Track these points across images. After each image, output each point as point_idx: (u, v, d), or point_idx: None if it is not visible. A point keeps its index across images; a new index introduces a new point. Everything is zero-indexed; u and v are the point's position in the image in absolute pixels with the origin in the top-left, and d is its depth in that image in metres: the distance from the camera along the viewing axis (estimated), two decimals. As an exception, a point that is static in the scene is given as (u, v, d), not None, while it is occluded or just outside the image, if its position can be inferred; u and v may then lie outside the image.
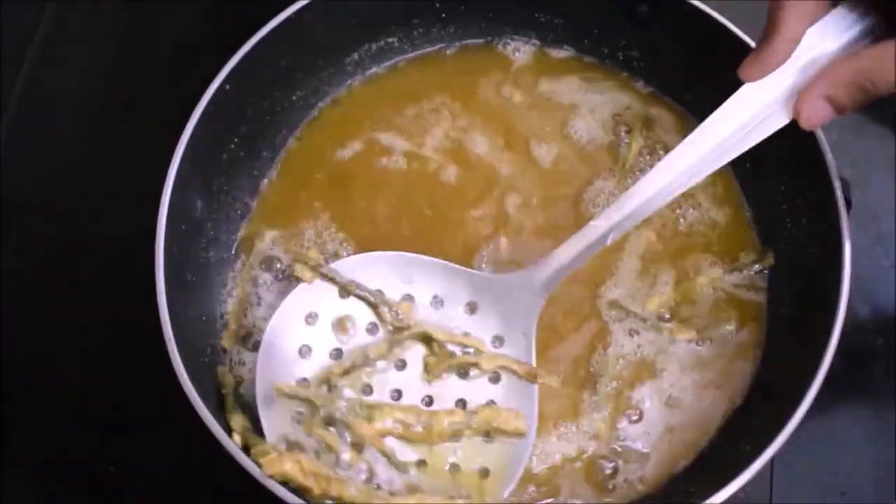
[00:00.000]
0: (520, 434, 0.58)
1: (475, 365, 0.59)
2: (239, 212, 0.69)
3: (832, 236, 0.59)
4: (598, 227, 0.58)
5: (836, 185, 0.60)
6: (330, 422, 0.57)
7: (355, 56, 0.74)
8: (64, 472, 0.67)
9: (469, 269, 0.62)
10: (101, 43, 0.84)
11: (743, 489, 0.53)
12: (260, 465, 0.52)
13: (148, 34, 0.84)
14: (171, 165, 0.61)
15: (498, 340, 0.61)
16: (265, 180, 0.71)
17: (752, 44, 0.64)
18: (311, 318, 0.61)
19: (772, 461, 0.54)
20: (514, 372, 0.59)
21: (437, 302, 0.61)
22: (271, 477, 0.52)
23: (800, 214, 0.65)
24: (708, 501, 0.53)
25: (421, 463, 0.57)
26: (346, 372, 0.59)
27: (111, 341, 0.70)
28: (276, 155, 0.72)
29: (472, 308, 0.61)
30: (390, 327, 0.61)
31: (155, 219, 0.60)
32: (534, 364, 0.59)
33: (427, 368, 0.60)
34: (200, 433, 0.54)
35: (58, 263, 0.74)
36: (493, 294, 0.60)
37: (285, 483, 0.53)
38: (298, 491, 0.53)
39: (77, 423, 0.68)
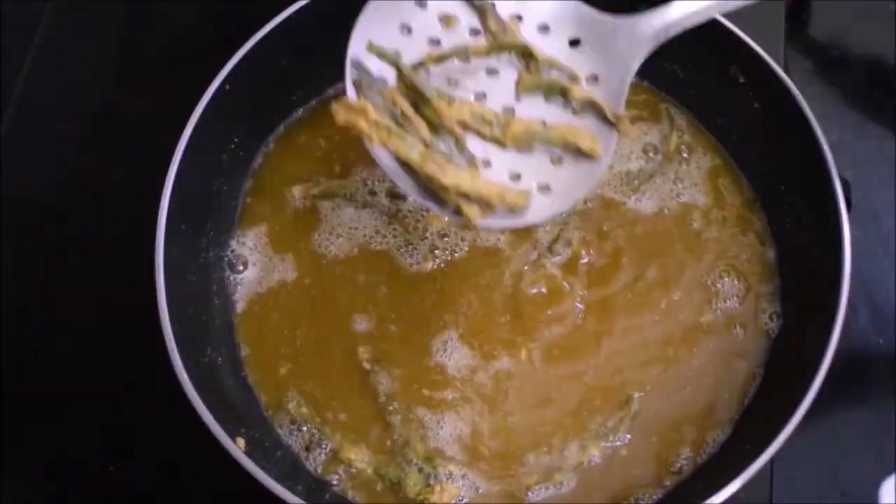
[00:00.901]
0: (592, 155, 0.57)
1: (566, 91, 0.58)
2: (238, 211, 0.69)
3: (832, 236, 0.59)
4: None
5: (836, 185, 0.60)
6: (410, 97, 0.57)
7: (355, 56, 0.74)
8: (64, 472, 0.67)
9: (585, 4, 0.60)
10: (101, 43, 0.84)
11: (743, 489, 0.53)
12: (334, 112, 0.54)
13: (148, 34, 0.84)
14: (171, 165, 0.61)
15: (593, 79, 0.59)
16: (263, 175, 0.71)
17: (752, 44, 0.64)
18: (420, 2, 0.59)
19: (772, 461, 0.54)
20: (600, 110, 0.57)
21: (543, 29, 0.60)
22: (342, 125, 0.54)
23: (800, 214, 0.65)
24: (708, 501, 0.53)
25: (486, 163, 0.57)
26: (441, 59, 0.58)
27: (111, 341, 0.70)
28: (275, 154, 0.72)
29: (575, 43, 0.59)
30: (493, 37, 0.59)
31: (155, 219, 0.60)
32: (621, 110, 0.58)
33: (518, 81, 0.58)
34: (200, 433, 0.54)
35: (58, 263, 0.74)
36: (600, 34, 0.59)
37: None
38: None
39: (77, 423, 0.68)
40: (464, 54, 0.58)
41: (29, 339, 0.71)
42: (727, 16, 0.65)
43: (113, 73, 0.82)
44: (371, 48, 0.57)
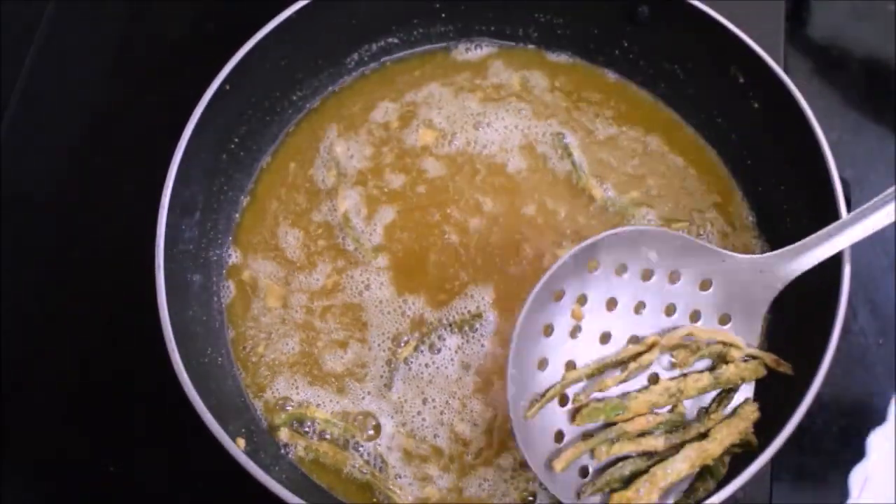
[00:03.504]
0: (759, 375, 0.59)
1: (725, 357, 0.59)
2: (239, 211, 0.69)
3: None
4: (847, 225, 0.57)
5: (836, 184, 0.60)
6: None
7: (355, 56, 0.74)
8: (64, 472, 0.67)
9: (711, 247, 0.61)
10: (101, 43, 0.84)
11: (743, 489, 0.53)
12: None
13: (148, 34, 0.84)
14: (172, 165, 0.61)
15: (724, 319, 0.60)
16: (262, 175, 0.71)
17: (752, 44, 0.64)
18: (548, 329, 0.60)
19: (772, 461, 0.54)
20: (761, 361, 0.59)
21: (676, 275, 0.61)
22: None
23: (800, 214, 0.65)
24: (708, 501, 0.53)
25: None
26: (601, 370, 0.59)
27: (111, 341, 0.70)
28: (276, 154, 0.72)
29: (705, 285, 0.61)
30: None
31: (155, 219, 0.60)
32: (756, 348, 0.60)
33: (678, 361, 0.59)
34: (200, 433, 0.54)
35: (58, 263, 0.74)
36: (729, 274, 0.60)
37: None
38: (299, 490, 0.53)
39: (77, 423, 0.68)
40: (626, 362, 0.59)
41: (29, 339, 0.71)
42: (727, 16, 0.65)
43: (113, 73, 0.82)
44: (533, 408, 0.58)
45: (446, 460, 0.61)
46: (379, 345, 0.64)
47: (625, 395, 0.58)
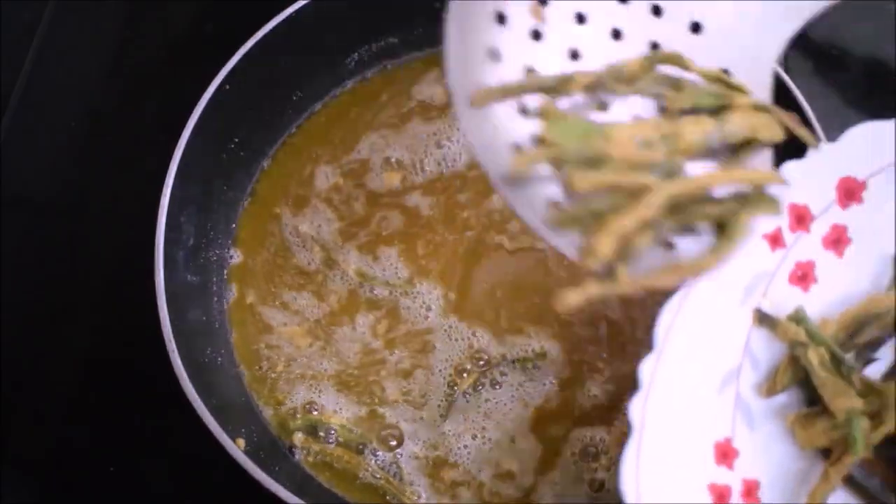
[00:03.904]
0: (776, 139, 0.48)
1: (729, 103, 0.47)
2: (238, 212, 0.69)
3: (832, 236, 0.59)
4: None
5: (837, 184, 0.60)
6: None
7: (355, 56, 0.74)
8: (64, 472, 0.67)
9: None
10: (101, 43, 0.84)
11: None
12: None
13: (147, 34, 0.84)
14: (171, 165, 0.61)
15: (723, 73, 0.49)
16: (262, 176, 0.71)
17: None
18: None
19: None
20: (776, 117, 0.48)
21: (656, 11, 0.49)
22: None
23: (800, 214, 0.65)
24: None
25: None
26: (591, 87, 0.46)
27: (111, 342, 0.70)
28: (275, 155, 0.72)
29: (696, 27, 0.49)
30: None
31: (155, 219, 0.60)
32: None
33: (669, 100, 0.47)
34: (200, 433, 0.54)
35: (57, 263, 0.74)
36: (727, 14, 0.49)
37: None
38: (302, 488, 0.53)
39: (77, 423, 0.68)
40: (619, 78, 0.46)
41: (28, 339, 0.71)
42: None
43: (113, 73, 0.82)
44: (485, 96, 0.45)
45: (486, 494, 0.60)
46: (440, 371, 0.63)
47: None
